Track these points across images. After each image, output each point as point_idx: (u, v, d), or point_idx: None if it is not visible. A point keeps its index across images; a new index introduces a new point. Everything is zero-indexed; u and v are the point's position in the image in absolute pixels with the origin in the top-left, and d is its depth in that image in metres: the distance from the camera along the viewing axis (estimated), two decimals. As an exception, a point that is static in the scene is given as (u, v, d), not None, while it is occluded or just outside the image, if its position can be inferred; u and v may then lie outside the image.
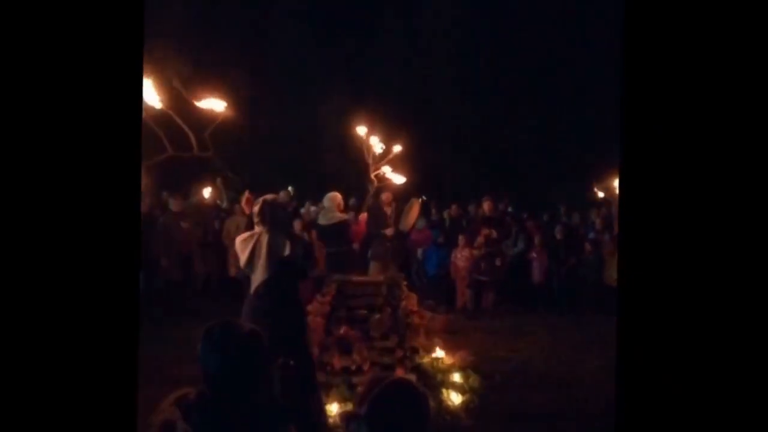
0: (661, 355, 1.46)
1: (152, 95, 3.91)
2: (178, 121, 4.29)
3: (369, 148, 7.75)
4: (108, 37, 1.31)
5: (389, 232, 8.59)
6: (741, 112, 1.42)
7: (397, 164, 8.16)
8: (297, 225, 9.56)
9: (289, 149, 15.39)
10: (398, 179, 8.13)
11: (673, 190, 1.44)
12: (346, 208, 8.98)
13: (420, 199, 9.28)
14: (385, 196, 9.57)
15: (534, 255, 10.17)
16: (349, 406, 5.36)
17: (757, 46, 1.40)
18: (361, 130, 7.57)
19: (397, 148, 8.05)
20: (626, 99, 1.47)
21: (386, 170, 8.05)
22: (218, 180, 10.40)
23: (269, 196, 4.75)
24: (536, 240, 10.24)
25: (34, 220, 1.28)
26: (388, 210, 9.34)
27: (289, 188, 11.13)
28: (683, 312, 1.44)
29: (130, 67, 1.33)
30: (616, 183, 7.79)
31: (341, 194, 7.64)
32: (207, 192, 9.38)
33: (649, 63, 1.46)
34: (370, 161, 7.80)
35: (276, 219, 4.50)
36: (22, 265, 1.26)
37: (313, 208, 10.81)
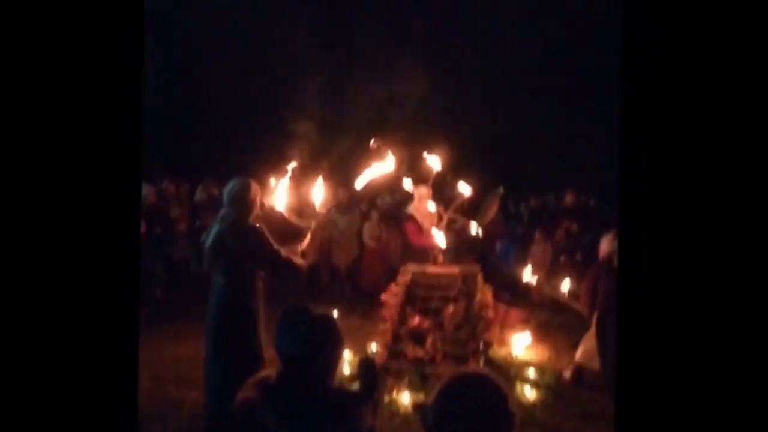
0: (662, 352, 1.49)
1: None
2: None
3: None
4: (109, 37, 1.42)
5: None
6: (740, 113, 1.39)
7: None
8: (374, 215, 9.66)
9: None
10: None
11: (671, 187, 1.46)
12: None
13: (499, 192, 9.07)
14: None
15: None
16: (421, 396, 5.39)
17: (757, 47, 1.38)
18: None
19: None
20: (625, 100, 1.51)
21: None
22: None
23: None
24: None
25: (39, 210, 1.41)
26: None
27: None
28: (684, 311, 1.46)
29: (130, 56, 1.42)
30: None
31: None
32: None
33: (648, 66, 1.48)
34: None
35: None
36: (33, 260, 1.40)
37: (387, 198, 10.86)
